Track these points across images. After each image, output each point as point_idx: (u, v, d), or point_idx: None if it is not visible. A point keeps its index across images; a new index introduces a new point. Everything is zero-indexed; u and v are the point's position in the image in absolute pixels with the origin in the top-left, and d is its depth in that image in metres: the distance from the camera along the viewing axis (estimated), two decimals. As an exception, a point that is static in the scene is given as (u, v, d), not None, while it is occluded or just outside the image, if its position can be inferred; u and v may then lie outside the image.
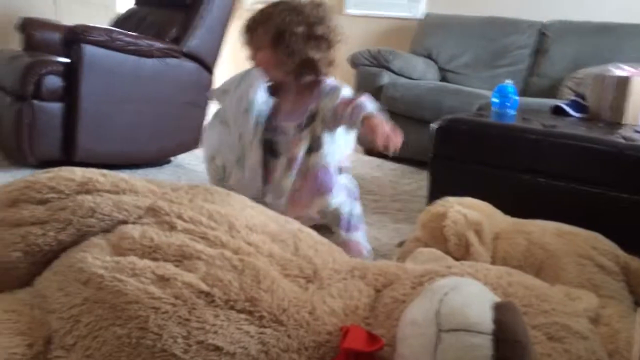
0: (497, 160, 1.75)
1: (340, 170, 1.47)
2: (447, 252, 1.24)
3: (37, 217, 0.89)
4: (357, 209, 1.56)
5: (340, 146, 1.44)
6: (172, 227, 0.92)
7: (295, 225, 1.05)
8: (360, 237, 1.54)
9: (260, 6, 1.46)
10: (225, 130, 1.43)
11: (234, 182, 1.44)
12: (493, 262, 1.26)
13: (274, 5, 1.41)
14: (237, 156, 1.43)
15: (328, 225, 1.47)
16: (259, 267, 0.85)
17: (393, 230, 2.08)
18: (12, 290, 0.87)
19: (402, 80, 3.36)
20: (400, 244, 1.61)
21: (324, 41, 1.40)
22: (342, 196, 1.46)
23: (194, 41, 2.62)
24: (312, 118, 1.40)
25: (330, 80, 1.46)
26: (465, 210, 1.35)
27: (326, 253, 0.98)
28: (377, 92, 3.32)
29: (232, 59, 5.48)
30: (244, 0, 5.29)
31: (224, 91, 1.45)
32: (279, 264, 0.90)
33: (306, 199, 1.41)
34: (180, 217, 0.94)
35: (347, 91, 1.42)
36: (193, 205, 0.98)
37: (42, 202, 0.91)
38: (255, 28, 1.41)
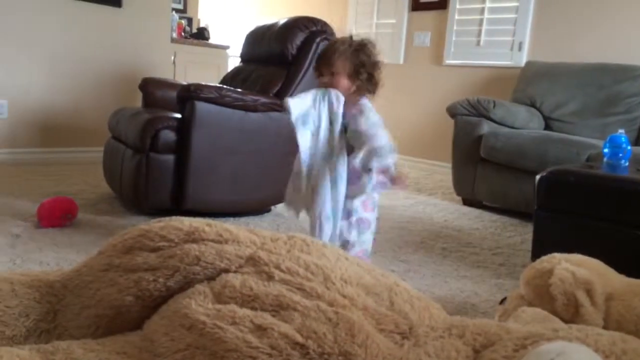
0: (610, 214, 1.64)
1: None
2: (554, 313, 1.16)
3: (149, 264, 0.95)
4: (366, 238, 1.79)
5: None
6: (270, 277, 0.94)
7: (391, 278, 1.04)
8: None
9: (338, 39, 1.86)
10: (316, 139, 1.70)
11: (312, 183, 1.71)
12: (605, 327, 1.16)
13: (349, 42, 1.78)
14: (325, 157, 1.71)
15: None
16: (353, 320, 0.85)
17: (494, 285, 1.98)
18: (124, 333, 0.94)
19: (504, 129, 3.27)
20: (502, 301, 1.54)
21: (378, 71, 1.81)
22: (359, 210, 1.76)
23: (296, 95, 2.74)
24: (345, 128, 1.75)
25: (363, 102, 1.79)
26: (573, 267, 1.27)
27: (423, 309, 0.96)
28: (476, 142, 3.26)
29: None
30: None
31: (303, 104, 1.69)
32: (373, 317, 0.89)
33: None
34: (278, 267, 0.97)
35: (367, 118, 1.73)
36: (290, 255, 1.01)
37: (154, 249, 0.98)
38: (335, 58, 1.75)
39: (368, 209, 1.79)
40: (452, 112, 3.45)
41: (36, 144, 3.69)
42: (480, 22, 4.38)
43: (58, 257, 1.91)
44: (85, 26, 3.82)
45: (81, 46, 3.80)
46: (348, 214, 1.74)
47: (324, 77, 1.76)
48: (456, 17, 4.54)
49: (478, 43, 4.42)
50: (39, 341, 0.94)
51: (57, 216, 2.25)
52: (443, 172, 4.55)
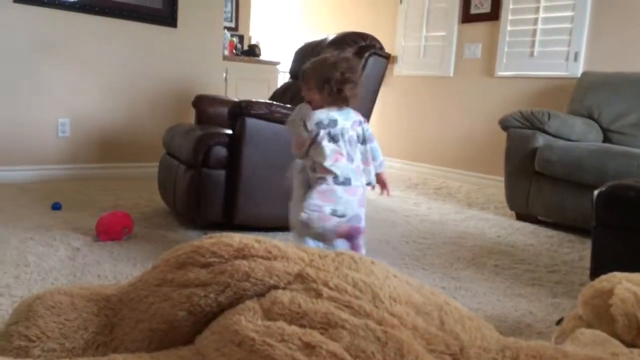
0: (675, 231, 1.55)
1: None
2: (614, 335, 1.11)
3: (201, 280, 0.98)
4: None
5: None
6: (319, 295, 0.95)
7: (442, 297, 1.03)
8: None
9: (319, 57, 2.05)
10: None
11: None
12: (672, 351, 1.10)
13: (321, 61, 1.99)
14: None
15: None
16: (402, 340, 0.84)
17: (550, 305, 1.91)
18: (177, 347, 0.96)
19: (560, 142, 3.17)
20: (559, 322, 1.48)
21: (351, 82, 1.94)
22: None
23: (344, 110, 2.75)
24: None
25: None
26: (635, 287, 1.21)
27: (474, 329, 0.94)
28: (530, 155, 3.17)
29: (380, 122, 5.62)
30: (395, 67, 5.45)
31: (292, 120, 2.00)
32: (423, 337, 0.88)
33: None
34: (326, 284, 0.97)
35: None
36: (339, 273, 1.01)
37: (205, 265, 1.00)
38: (305, 75, 1.99)
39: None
40: (505, 124, 3.37)
41: (95, 160, 3.85)
42: (534, 32, 4.28)
43: (115, 270, 1.98)
44: (142, 47, 3.98)
45: (138, 66, 3.95)
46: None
47: (302, 91, 2.03)
48: (508, 27, 4.46)
49: (532, 54, 4.32)
50: (97, 354, 0.97)
51: (115, 230, 2.33)
52: (495, 185, 4.45)
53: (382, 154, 2.06)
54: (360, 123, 2.01)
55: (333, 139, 1.91)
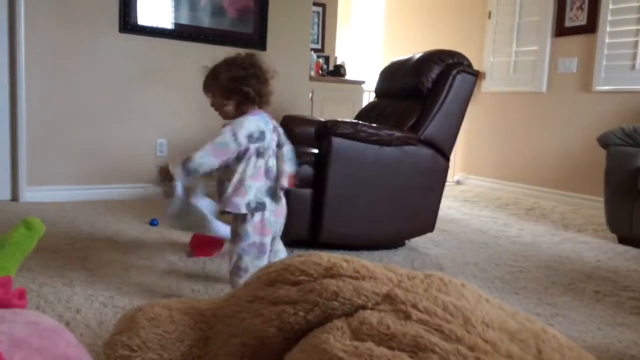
0: None
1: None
2: None
3: (290, 297, 0.99)
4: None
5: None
6: (408, 317, 0.93)
7: (538, 324, 0.98)
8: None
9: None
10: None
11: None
12: None
13: (221, 62, 1.85)
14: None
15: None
16: (496, 368, 0.80)
17: (659, 336, 1.76)
18: (267, 363, 0.98)
19: (666, 160, 2.94)
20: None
21: (254, 77, 1.77)
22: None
23: (431, 129, 2.72)
24: None
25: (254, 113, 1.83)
26: None
27: (574, 359, 0.88)
28: (633, 174, 2.97)
29: (466, 139, 5.49)
30: (483, 84, 5.32)
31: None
32: (518, 366, 0.84)
33: None
34: (415, 306, 0.95)
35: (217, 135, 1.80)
36: (428, 295, 0.99)
37: (295, 283, 1.02)
38: (207, 82, 1.87)
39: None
40: (605, 142, 3.18)
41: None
42: (635, 44, 4.04)
43: (207, 285, 2.06)
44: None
45: (229, 88, 4.13)
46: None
47: (209, 101, 1.88)
48: (607, 40, 4.23)
49: (633, 67, 4.07)
50: (192, 365, 1.01)
51: (208, 247, 2.43)
52: (593, 206, 4.20)
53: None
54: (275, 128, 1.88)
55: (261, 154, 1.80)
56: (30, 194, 3.53)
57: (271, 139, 1.84)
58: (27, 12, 3.40)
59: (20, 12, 3.37)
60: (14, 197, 3.53)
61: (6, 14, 3.39)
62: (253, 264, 1.80)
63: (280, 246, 2.02)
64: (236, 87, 1.78)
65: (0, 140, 3.47)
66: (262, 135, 1.79)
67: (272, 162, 1.85)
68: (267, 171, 1.83)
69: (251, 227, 1.80)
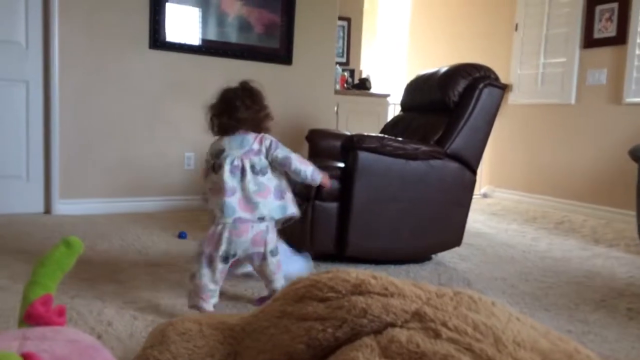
0: None
1: None
2: None
3: (319, 314, 1.00)
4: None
5: None
6: (437, 335, 0.93)
7: (571, 344, 0.96)
8: None
9: None
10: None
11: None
12: None
13: (225, 90, 2.24)
14: None
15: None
16: (528, 389, 0.79)
17: (697, 357, 1.71)
18: (296, 379, 0.98)
19: (702, 173, 2.87)
20: None
21: (254, 106, 2.16)
22: None
23: (458, 142, 2.71)
24: None
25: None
26: None
27: (608, 381, 0.87)
28: (667, 188, 2.90)
29: (493, 152, 5.43)
30: (510, 96, 5.28)
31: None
32: (551, 387, 0.83)
33: None
34: (445, 324, 0.95)
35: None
36: (457, 313, 0.99)
37: (323, 300, 1.03)
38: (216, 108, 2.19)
39: None
40: (636, 154, 3.12)
41: (216, 191, 4.09)
42: (667, 54, 3.96)
43: (235, 299, 2.08)
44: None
45: (256, 102, 4.18)
46: None
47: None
48: (637, 51, 4.16)
49: (665, 78, 3.99)
50: (222, 380, 1.02)
51: (235, 261, 2.44)
52: (625, 220, 4.11)
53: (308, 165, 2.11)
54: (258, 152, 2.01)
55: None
56: (62, 207, 3.61)
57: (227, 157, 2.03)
58: (61, 30, 3.51)
59: (55, 31, 3.48)
60: (47, 209, 3.62)
61: (41, 33, 3.50)
62: (198, 272, 1.84)
63: (253, 269, 2.04)
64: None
65: (34, 154, 3.57)
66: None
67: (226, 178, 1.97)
68: (221, 187, 1.95)
69: (207, 237, 1.88)
